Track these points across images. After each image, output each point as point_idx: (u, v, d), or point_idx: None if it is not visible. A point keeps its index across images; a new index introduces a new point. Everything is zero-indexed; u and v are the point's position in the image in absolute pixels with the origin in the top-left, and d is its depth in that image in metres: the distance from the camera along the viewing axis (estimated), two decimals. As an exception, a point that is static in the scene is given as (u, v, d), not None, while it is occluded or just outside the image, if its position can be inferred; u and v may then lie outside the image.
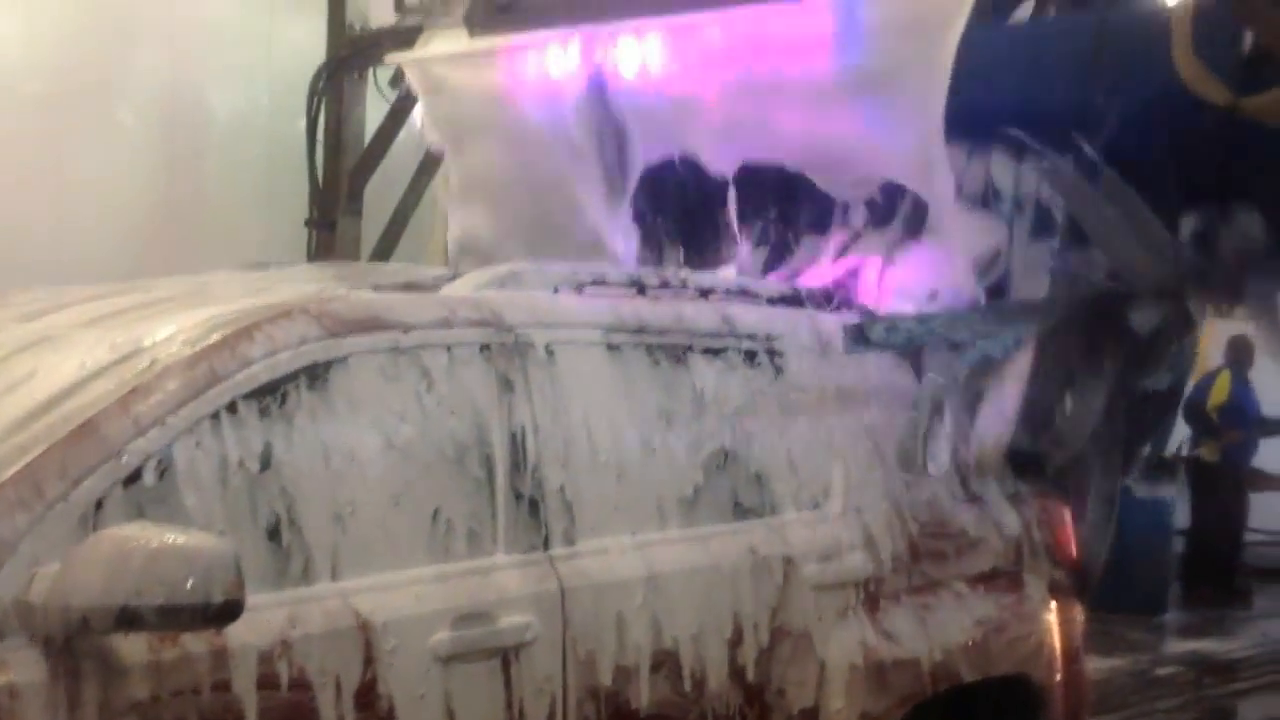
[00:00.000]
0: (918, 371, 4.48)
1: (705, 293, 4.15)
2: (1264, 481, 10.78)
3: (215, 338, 2.96)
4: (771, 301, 4.33)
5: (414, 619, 3.02)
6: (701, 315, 3.94)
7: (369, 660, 2.93)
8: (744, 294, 4.28)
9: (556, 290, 3.75)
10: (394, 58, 6.81)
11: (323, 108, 7.13)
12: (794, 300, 4.42)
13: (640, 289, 3.99)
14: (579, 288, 3.83)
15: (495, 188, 6.49)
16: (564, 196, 6.30)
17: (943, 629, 4.06)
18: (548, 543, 3.34)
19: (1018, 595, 4.32)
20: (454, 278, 3.74)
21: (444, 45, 6.57)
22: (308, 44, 7.40)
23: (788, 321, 4.17)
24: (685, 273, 4.32)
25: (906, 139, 4.95)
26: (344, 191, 7.15)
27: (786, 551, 3.78)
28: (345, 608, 2.93)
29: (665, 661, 3.46)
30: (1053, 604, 4.40)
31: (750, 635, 3.64)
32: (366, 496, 3.05)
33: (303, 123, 7.23)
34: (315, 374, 3.05)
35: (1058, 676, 4.34)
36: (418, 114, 7.15)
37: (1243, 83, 4.30)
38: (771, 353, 4.01)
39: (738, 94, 5.56)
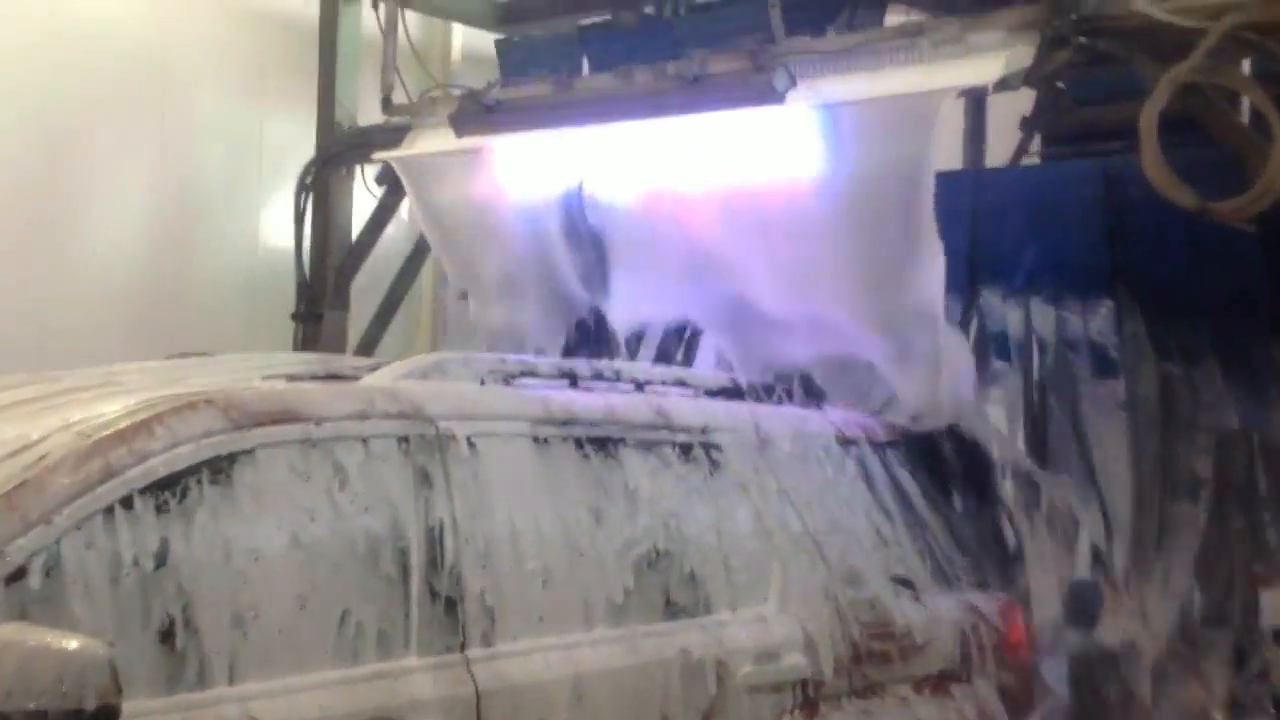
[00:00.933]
0: (864, 468, 4.35)
1: (640, 385, 4.00)
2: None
3: (112, 430, 2.82)
4: (710, 394, 4.18)
5: None
6: (635, 408, 3.79)
7: None
8: (681, 386, 4.14)
9: (483, 382, 3.61)
10: (382, 155, 6.90)
11: (310, 203, 7.18)
12: (734, 393, 4.27)
13: (572, 380, 3.84)
14: (507, 379, 3.69)
15: (483, 281, 6.55)
16: (546, 292, 6.35)
17: None
18: (465, 644, 3.16)
19: (966, 700, 4.15)
20: (377, 368, 3.60)
21: (430, 144, 6.66)
22: (297, 140, 7.45)
23: (726, 415, 4.02)
24: (620, 364, 4.17)
25: (889, 242, 4.98)
26: (330, 285, 7.13)
27: (720, 653, 3.60)
28: (242, 715, 2.76)
29: None
30: (1002, 708, 4.23)
31: None
32: (269, 597, 2.89)
33: (291, 217, 7.28)
34: (218, 468, 2.90)
35: None
36: (405, 209, 7.24)
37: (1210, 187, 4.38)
38: (708, 447, 3.87)
39: (714, 201, 5.67)
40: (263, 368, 3.65)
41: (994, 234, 5.23)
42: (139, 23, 7.42)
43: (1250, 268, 4.73)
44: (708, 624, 3.64)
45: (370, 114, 7.09)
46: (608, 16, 6.88)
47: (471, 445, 3.34)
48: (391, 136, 6.80)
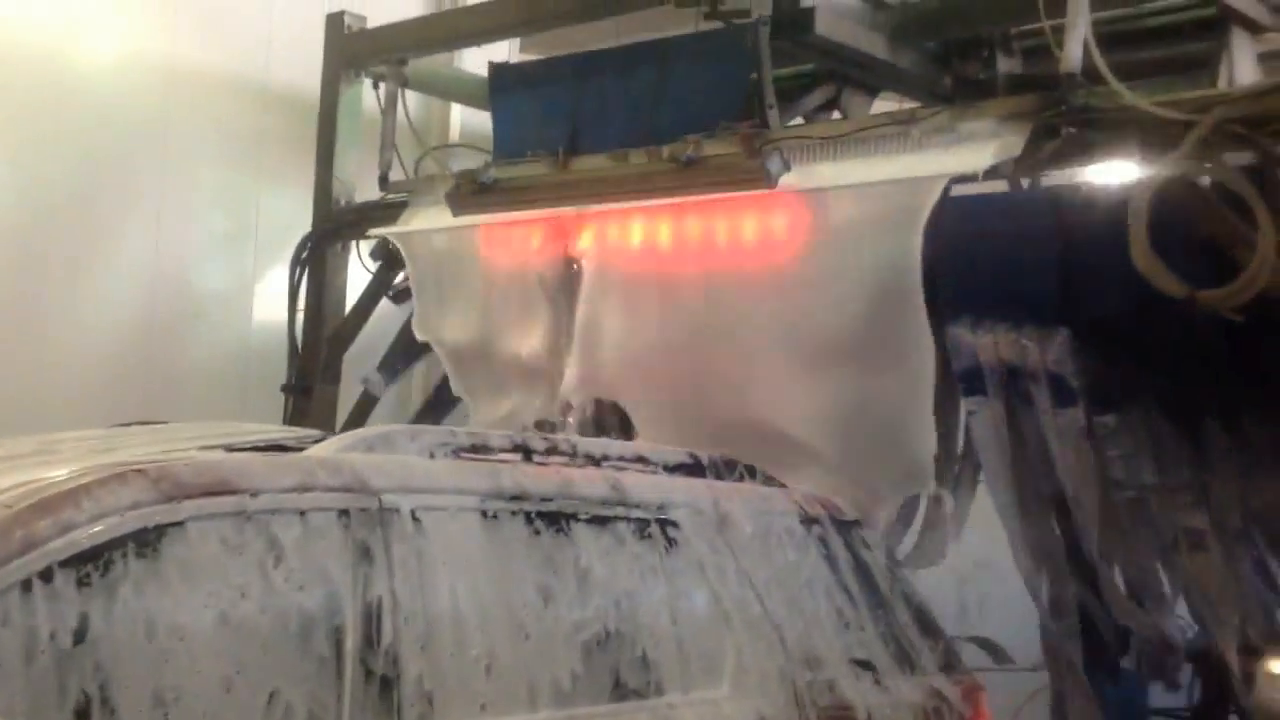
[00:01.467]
0: (827, 548, 4.25)
1: (597, 460, 3.90)
2: None
3: (35, 500, 2.72)
4: (669, 470, 4.09)
5: None
6: (589, 483, 3.69)
7: None
8: (639, 462, 4.04)
9: (432, 455, 3.51)
10: (378, 231, 6.95)
11: (305, 277, 7.21)
12: (694, 470, 4.19)
13: (526, 454, 3.74)
14: (456, 452, 3.58)
15: (478, 355, 6.56)
16: (538, 368, 6.36)
17: None
18: None
19: None
20: (323, 439, 3.50)
21: (426, 221, 6.71)
22: (293, 215, 7.49)
23: (684, 492, 3.94)
24: (577, 438, 4.08)
25: (882, 332, 4.93)
26: (322, 358, 7.15)
27: None
28: None
29: None
30: None
31: None
32: (193, 677, 2.76)
33: (285, 290, 7.30)
34: (145, 541, 2.78)
35: None
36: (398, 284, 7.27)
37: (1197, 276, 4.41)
38: (664, 524, 3.77)
39: (704, 283, 5.68)
40: (206, 438, 3.54)
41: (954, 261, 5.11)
42: (139, 94, 7.43)
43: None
44: (658, 707, 3.52)
45: (368, 190, 7.15)
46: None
47: (416, 519, 3.24)
48: (388, 213, 6.86)
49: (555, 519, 3.53)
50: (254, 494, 3.00)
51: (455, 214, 6.35)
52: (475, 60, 7.67)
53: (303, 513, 3.07)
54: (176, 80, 7.57)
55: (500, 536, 3.41)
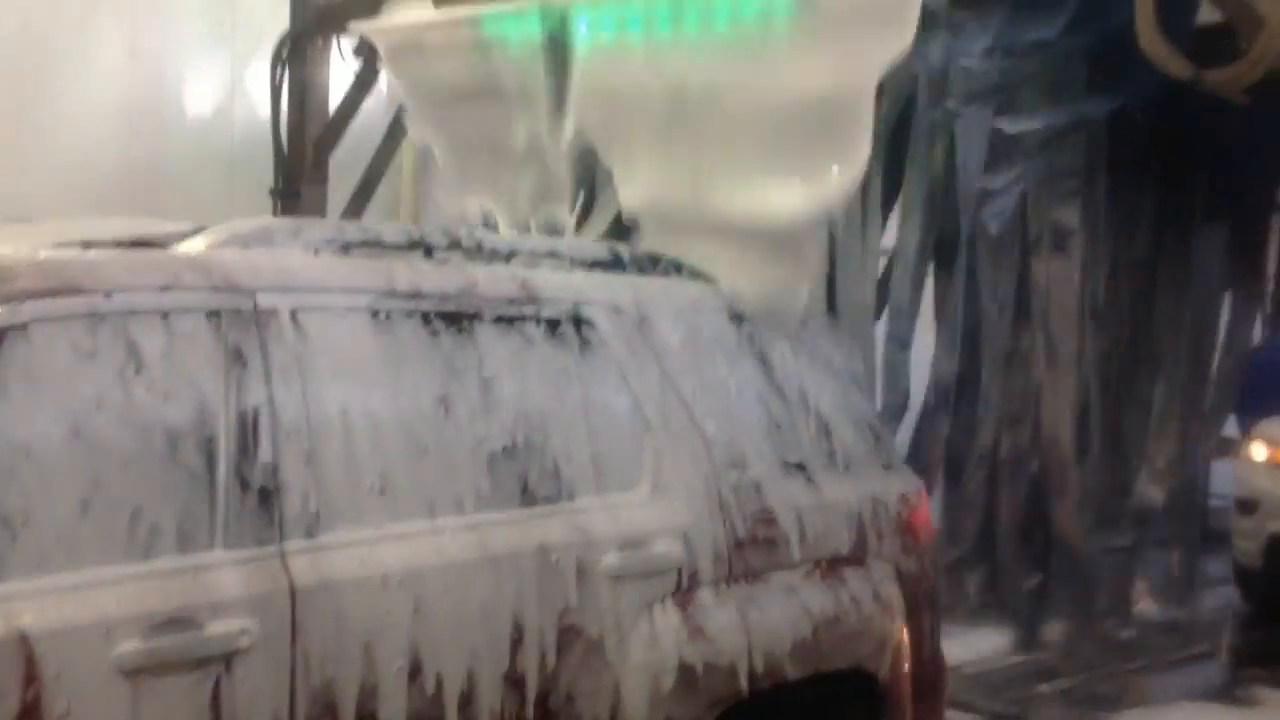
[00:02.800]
0: (760, 346, 4.04)
1: (505, 256, 3.66)
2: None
3: None
4: (585, 266, 3.83)
5: (91, 627, 2.56)
6: (494, 281, 3.45)
7: (30, 678, 2.49)
8: (551, 257, 3.78)
9: (317, 251, 3.24)
10: (358, 27, 6.76)
11: (286, 77, 7.05)
12: (614, 265, 3.93)
13: (426, 250, 3.48)
14: (345, 247, 3.32)
15: (467, 149, 6.45)
16: (527, 155, 6.25)
17: (766, 623, 3.63)
18: (282, 537, 2.86)
19: (859, 584, 3.91)
20: (195, 234, 3.20)
21: (409, 15, 6.51)
22: (271, 12, 7.29)
23: (602, 289, 3.72)
24: (483, 233, 3.78)
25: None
26: (309, 160, 6.98)
27: (580, 541, 3.34)
28: (5, 617, 2.48)
29: (423, 671, 3.00)
30: (901, 594, 4.00)
31: (533, 638, 3.19)
32: (44, 498, 2.57)
33: (267, 91, 7.16)
34: None
35: (905, 669, 3.95)
36: (383, 81, 7.12)
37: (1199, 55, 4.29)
38: (578, 322, 3.57)
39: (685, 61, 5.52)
40: (67, 235, 3.19)
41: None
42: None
43: None
44: (567, 512, 3.37)
45: (346, -17, 6.94)
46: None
47: (296, 321, 3.01)
48: (369, 6, 6.66)
49: (456, 319, 3.32)
50: (108, 294, 2.75)
51: (437, 5, 6.17)
52: None
53: (165, 315, 2.82)
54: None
55: (393, 339, 3.18)
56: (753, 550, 3.70)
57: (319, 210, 6.92)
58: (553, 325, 3.53)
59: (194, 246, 3.08)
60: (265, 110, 7.08)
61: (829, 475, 4.01)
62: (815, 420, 4.06)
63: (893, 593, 3.98)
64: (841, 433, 4.13)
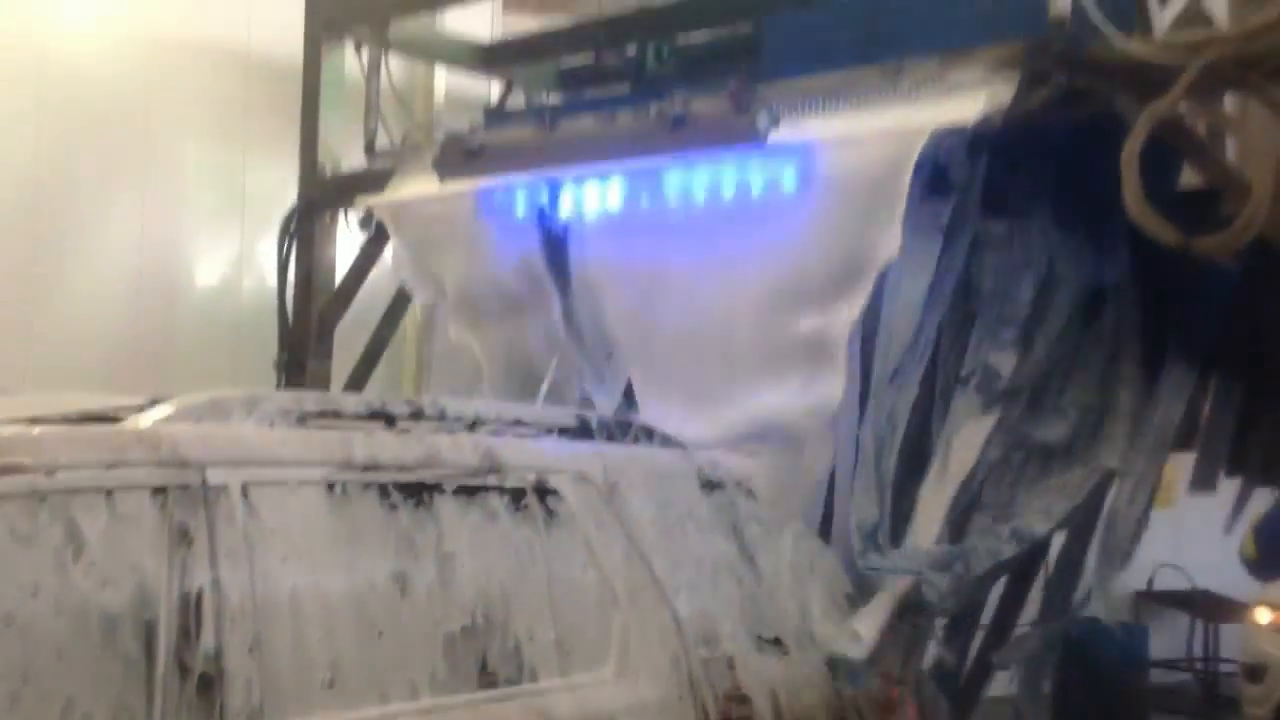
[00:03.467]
0: (732, 516, 3.95)
1: (469, 424, 3.57)
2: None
3: None
4: (552, 433, 3.76)
5: None
6: (456, 450, 3.38)
7: None
8: (517, 425, 3.69)
9: (272, 424, 3.15)
10: (365, 200, 6.91)
11: (293, 249, 7.16)
12: (580, 432, 3.87)
13: (388, 420, 3.38)
14: (301, 419, 3.22)
15: (471, 319, 6.53)
16: (531, 330, 6.34)
17: None
18: None
19: None
20: (148, 407, 3.10)
21: (414, 188, 6.66)
22: (280, 184, 7.44)
23: (568, 457, 3.63)
24: (447, 400, 3.70)
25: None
26: (314, 331, 7.10)
27: None
28: None
29: None
30: None
31: None
32: None
33: (274, 263, 7.27)
34: None
35: None
36: (388, 253, 7.23)
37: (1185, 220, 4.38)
38: (543, 492, 3.47)
39: (692, 243, 5.64)
40: (15, 411, 3.09)
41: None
42: (122, 66, 7.33)
43: None
44: (528, 694, 3.23)
45: (354, 158, 7.10)
46: (590, 59, 6.91)
47: (247, 497, 2.91)
48: (375, 181, 6.80)
49: (415, 491, 3.21)
50: (49, 472, 2.65)
51: (441, 180, 6.30)
52: (458, 21, 7.61)
53: (109, 492, 2.72)
54: (157, 52, 7.48)
55: (349, 513, 3.07)
56: None
57: (323, 381, 6.94)
58: (517, 496, 3.43)
59: (144, 421, 3.00)
60: (273, 282, 7.17)
61: (806, 650, 3.90)
62: (788, 590, 3.97)
63: None
64: (815, 601, 4.04)
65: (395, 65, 7.13)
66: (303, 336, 7.03)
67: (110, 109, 7.32)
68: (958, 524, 5.05)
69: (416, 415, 3.47)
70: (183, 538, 2.79)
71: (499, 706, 3.17)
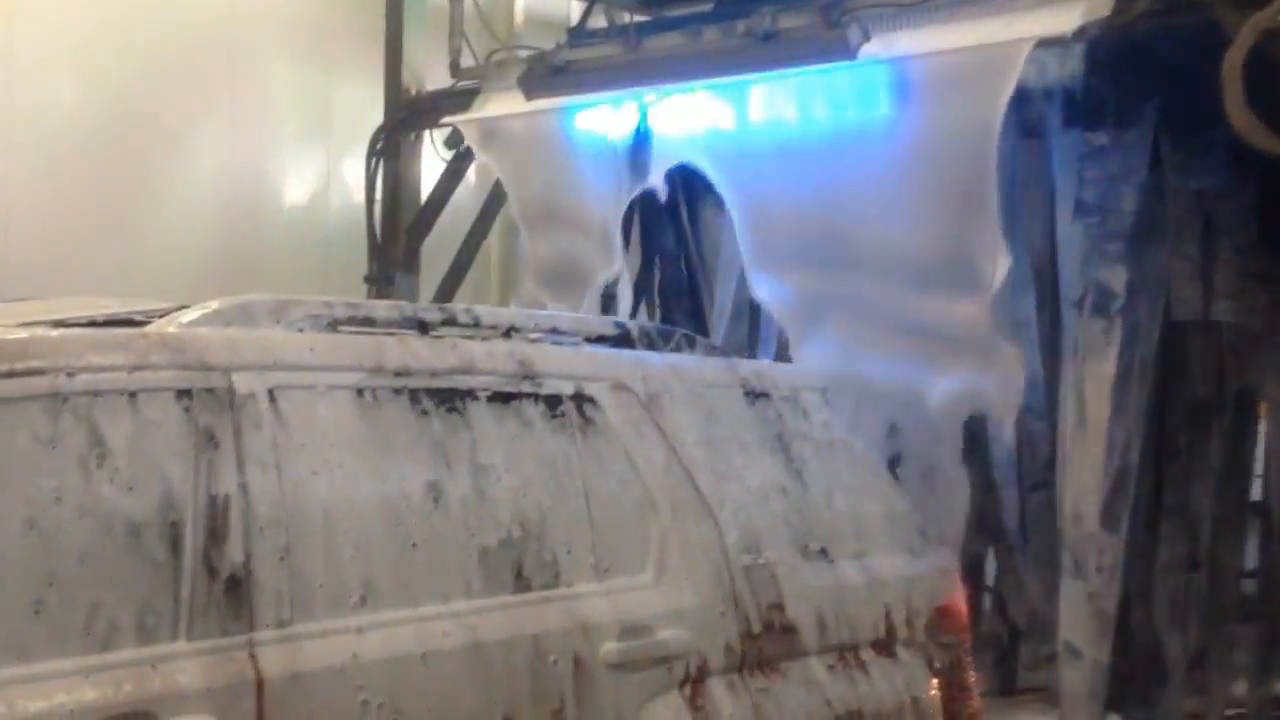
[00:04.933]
0: (776, 425, 3.87)
1: (505, 332, 3.47)
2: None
3: None
4: (591, 342, 3.66)
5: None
6: (491, 357, 3.27)
7: None
8: (554, 333, 3.59)
9: (301, 329, 3.04)
10: (450, 119, 6.92)
11: (380, 168, 7.21)
12: (620, 341, 3.77)
13: (421, 327, 3.28)
14: (331, 324, 3.11)
15: (553, 232, 6.54)
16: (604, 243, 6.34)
17: (783, 717, 3.43)
18: (252, 627, 2.69)
19: (886, 675, 3.71)
20: (175, 312, 3.00)
21: (500, 107, 6.66)
22: (366, 106, 7.48)
23: (606, 366, 3.53)
24: (480, 308, 3.59)
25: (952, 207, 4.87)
26: (401, 248, 7.16)
27: (577, 629, 3.14)
28: None
29: None
30: (933, 683, 3.80)
31: None
32: None
33: (361, 182, 7.32)
34: None
35: None
36: (473, 172, 7.26)
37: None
38: (580, 400, 3.39)
39: (782, 157, 5.62)
40: (46, 313, 3.01)
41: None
42: (206, -4, 7.46)
43: None
44: (563, 598, 3.17)
45: (438, 79, 7.10)
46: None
47: (274, 401, 2.83)
48: (460, 101, 6.82)
49: (448, 398, 3.12)
50: (70, 374, 2.58)
51: (528, 98, 6.30)
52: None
53: (133, 395, 2.65)
54: (243, -22, 7.54)
55: (380, 419, 2.99)
56: (768, 639, 3.50)
57: (411, 296, 7.02)
58: (553, 404, 3.34)
59: (169, 325, 2.91)
60: (360, 199, 7.24)
61: (852, 561, 3.81)
62: (837, 503, 3.87)
63: (923, 683, 3.78)
64: (867, 516, 3.94)
65: (477, -15, 7.11)
66: (390, 252, 7.12)
67: (197, 35, 7.39)
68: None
69: (450, 322, 3.37)
70: (209, 441, 2.73)
71: (532, 609, 3.10)
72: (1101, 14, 4.60)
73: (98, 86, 7.05)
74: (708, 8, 6.13)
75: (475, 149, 6.66)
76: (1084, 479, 5.00)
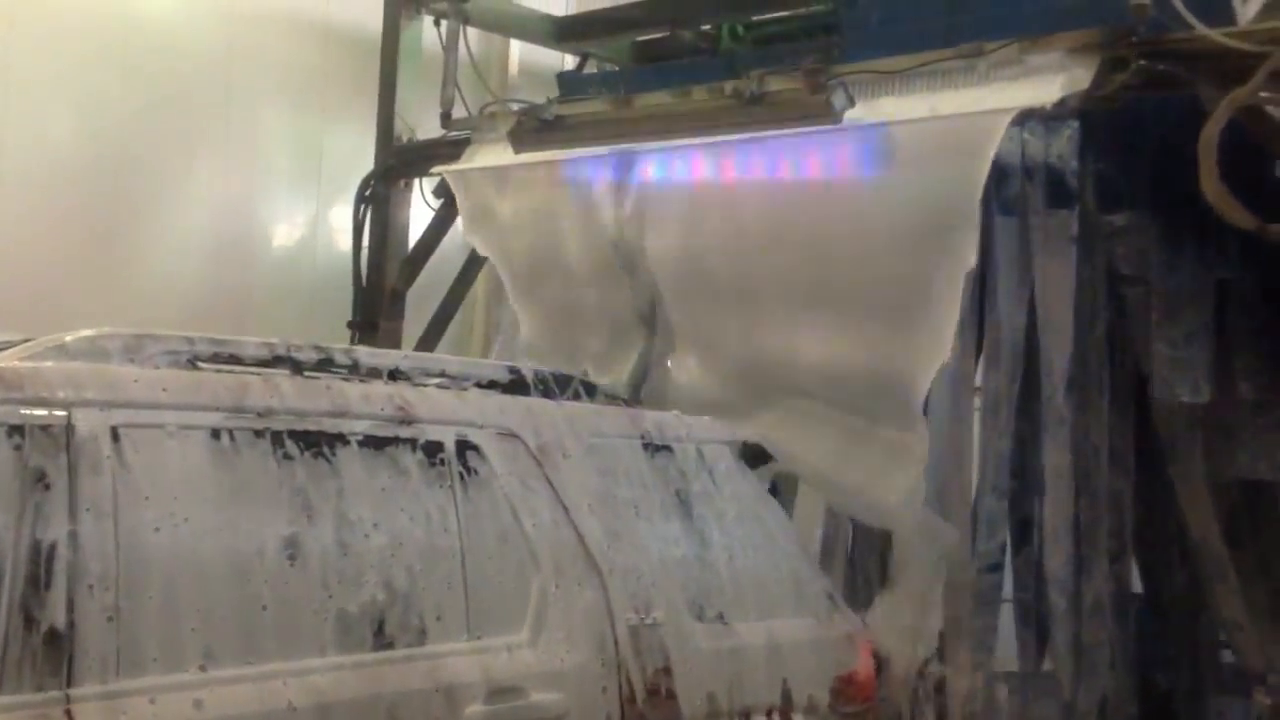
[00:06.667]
0: (677, 480, 3.71)
1: (390, 375, 3.33)
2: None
3: None
4: (481, 386, 3.52)
5: None
6: (366, 400, 3.11)
7: None
8: (441, 377, 3.45)
9: (158, 365, 2.90)
10: (440, 169, 6.93)
11: (369, 214, 7.20)
12: (513, 387, 3.61)
13: (294, 366, 3.13)
14: (191, 361, 2.97)
15: (537, 289, 6.53)
16: (596, 302, 6.33)
17: None
18: (70, 683, 2.53)
19: None
20: (20, 344, 2.89)
21: (489, 158, 6.67)
22: (356, 152, 7.47)
23: (495, 412, 3.39)
24: (361, 350, 3.46)
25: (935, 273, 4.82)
26: (387, 294, 7.17)
27: (440, 690, 2.98)
28: None
29: None
30: None
31: None
32: None
33: (349, 228, 7.31)
34: None
35: None
36: (460, 221, 7.25)
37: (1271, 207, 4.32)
38: (464, 448, 3.24)
39: (764, 215, 5.62)
40: None
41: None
42: (203, 35, 7.41)
43: None
44: (427, 657, 3.00)
45: (430, 128, 7.11)
46: (665, 33, 6.88)
47: (117, 441, 2.67)
48: (450, 150, 6.82)
49: (315, 442, 2.94)
50: None
51: (517, 151, 6.30)
52: (535, -4, 7.61)
53: None
54: (239, 20, 7.55)
55: (237, 464, 2.82)
56: (652, 705, 3.34)
57: (395, 343, 6.98)
58: (432, 452, 3.19)
59: (8, 356, 2.78)
60: (347, 245, 7.22)
61: (752, 625, 3.65)
62: (739, 564, 3.72)
63: None
64: (770, 578, 3.79)
65: (472, 37, 7.14)
66: (376, 300, 7.10)
67: (193, 77, 7.41)
68: None
69: (326, 363, 3.22)
70: (38, 482, 2.57)
71: (391, 669, 2.93)
72: (1081, 86, 4.62)
73: (90, 121, 7.05)
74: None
75: (462, 202, 6.65)
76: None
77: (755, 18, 6.65)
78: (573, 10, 7.78)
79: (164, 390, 2.80)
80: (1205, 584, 5.08)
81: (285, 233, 7.93)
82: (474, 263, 7.27)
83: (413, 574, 3.03)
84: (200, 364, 2.99)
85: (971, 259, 4.70)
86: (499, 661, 3.11)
